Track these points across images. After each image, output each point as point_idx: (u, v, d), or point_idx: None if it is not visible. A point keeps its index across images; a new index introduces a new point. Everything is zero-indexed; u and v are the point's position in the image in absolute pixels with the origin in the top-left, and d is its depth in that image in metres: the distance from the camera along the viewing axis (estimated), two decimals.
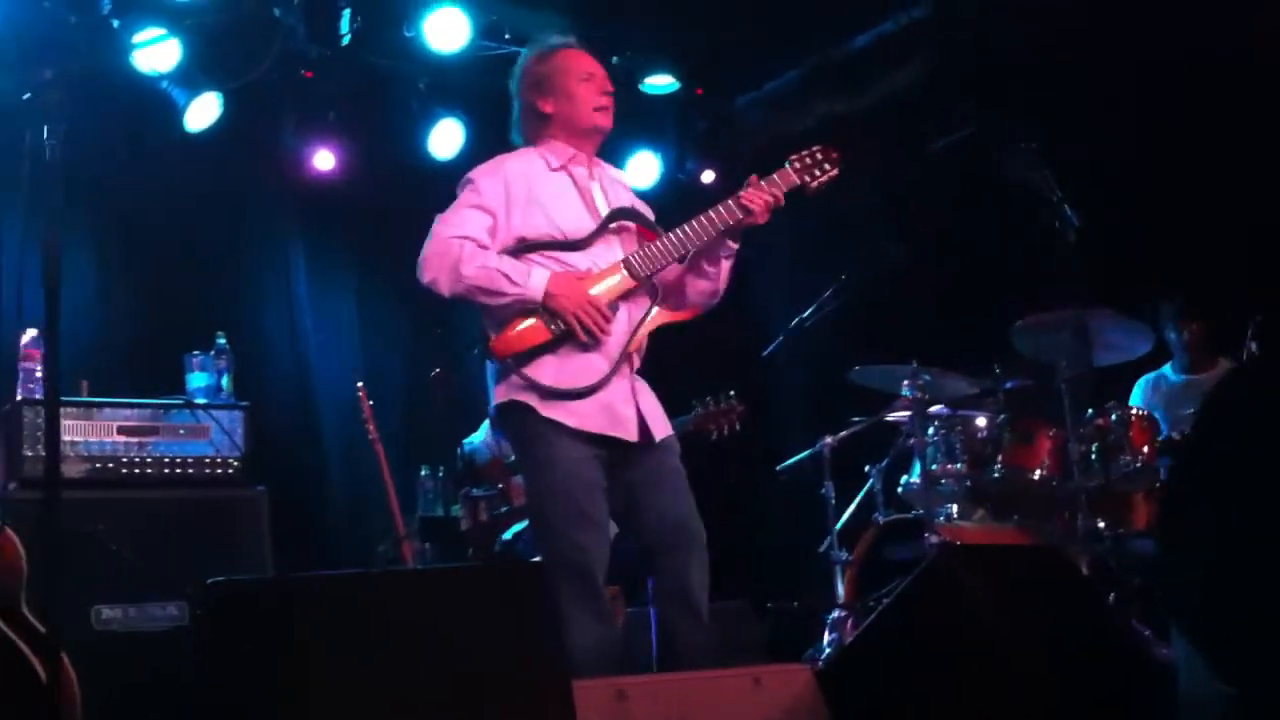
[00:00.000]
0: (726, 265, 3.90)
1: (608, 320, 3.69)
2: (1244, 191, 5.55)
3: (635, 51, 6.80)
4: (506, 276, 3.66)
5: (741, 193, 3.81)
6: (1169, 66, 5.73)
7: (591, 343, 3.68)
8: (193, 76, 5.87)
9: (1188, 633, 2.27)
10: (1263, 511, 2.06)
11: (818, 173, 3.90)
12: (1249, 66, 5.52)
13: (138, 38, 5.61)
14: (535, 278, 3.67)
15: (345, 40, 6.10)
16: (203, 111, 5.95)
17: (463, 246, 3.69)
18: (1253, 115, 5.53)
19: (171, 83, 5.87)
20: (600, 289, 3.73)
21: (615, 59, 6.67)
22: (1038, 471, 5.25)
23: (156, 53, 5.74)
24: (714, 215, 3.79)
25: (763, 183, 3.84)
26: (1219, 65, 5.60)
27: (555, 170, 3.87)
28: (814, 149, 3.94)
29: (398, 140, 6.64)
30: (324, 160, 6.49)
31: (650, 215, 3.98)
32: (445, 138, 6.58)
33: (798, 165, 3.90)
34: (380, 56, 6.37)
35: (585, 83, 3.91)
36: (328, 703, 2.14)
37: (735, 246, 3.88)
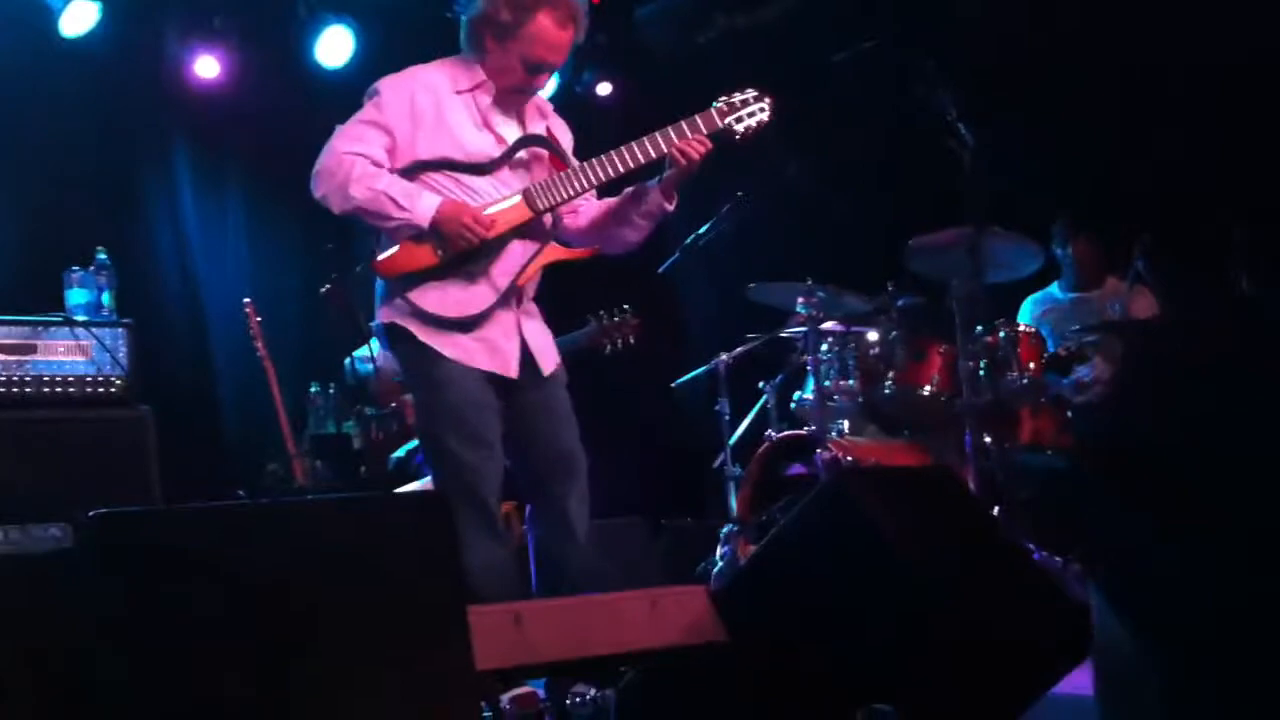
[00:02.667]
0: (652, 223, 3.82)
1: (485, 229, 3.58)
2: (1138, 108, 5.62)
3: None
4: (394, 201, 3.57)
5: (672, 135, 3.66)
6: None
7: (475, 262, 3.60)
8: None
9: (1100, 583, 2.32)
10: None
11: (746, 118, 3.79)
12: None
13: None
14: (424, 202, 3.59)
15: None
16: (79, 16, 5.73)
17: (354, 163, 3.60)
18: (1144, 28, 5.57)
19: None
20: (494, 213, 3.65)
21: None
22: (928, 388, 5.33)
23: None
24: (628, 152, 3.68)
25: (683, 125, 3.67)
26: None
27: (461, 93, 3.74)
28: (747, 92, 3.80)
29: (285, 48, 6.47)
30: (208, 67, 6.29)
31: (568, 146, 3.86)
32: (334, 45, 6.42)
33: (724, 108, 3.77)
34: None
35: (547, 51, 3.67)
36: (213, 636, 2.10)
37: (670, 208, 3.78)
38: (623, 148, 3.69)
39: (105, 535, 2.11)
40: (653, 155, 3.69)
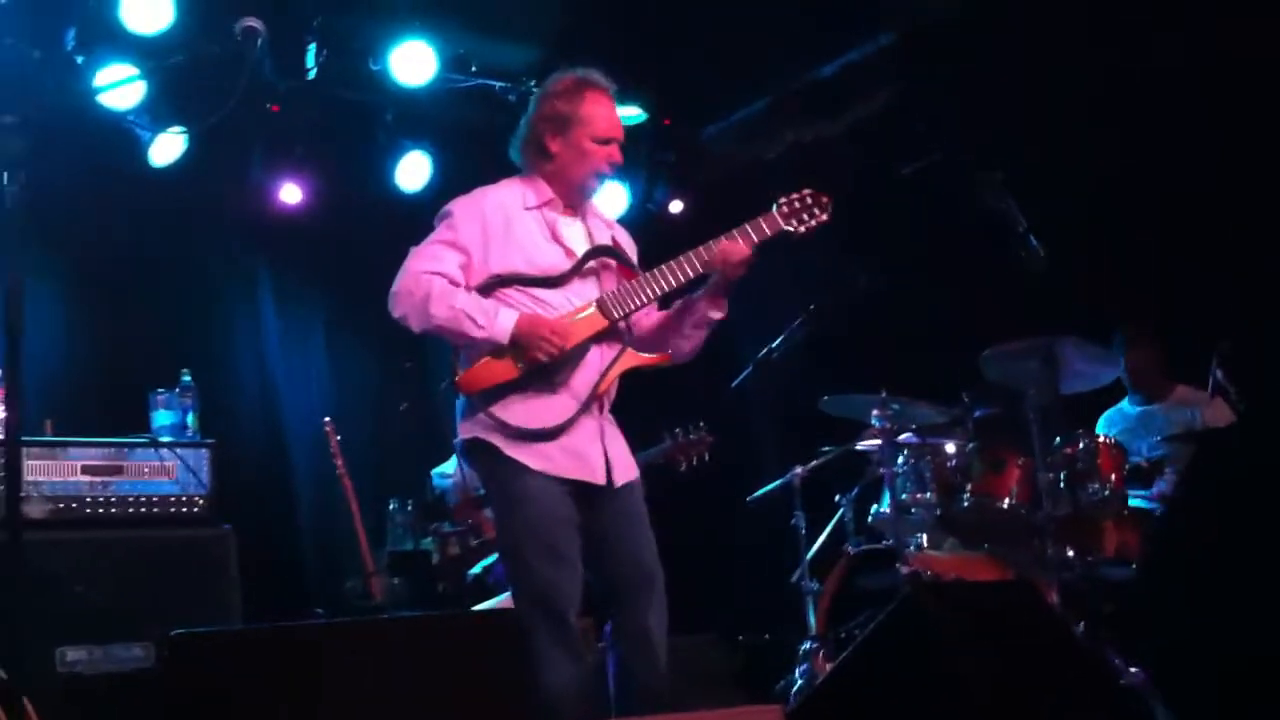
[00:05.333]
0: (705, 333, 3.86)
1: (563, 340, 3.64)
2: (1206, 219, 5.60)
3: None
4: (472, 318, 3.63)
5: (722, 239, 3.76)
6: (1134, 95, 5.77)
7: (556, 373, 3.65)
8: (158, 114, 5.85)
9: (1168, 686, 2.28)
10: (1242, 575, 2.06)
11: (806, 217, 3.84)
12: (1213, 93, 5.57)
13: (101, 75, 5.59)
14: (502, 318, 3.64)
15: (312, 74, 6.08)
16: (168, 146, 5.93)
17: (432, 282, 3.67)
18: (1219, 142, 5.58)
19: (136, 119, 5.85)
20: (570, 324, 3.71)
21: None
22: (1007, 500, 5.26)
23: (121, 90, 5.72)
24: (692, 257, 3.76)
25: (747, 227, 3.77)
26: (1181, 94, 5.64)
27: (530, 209, 3.83)
28: (804, 192, 3.87)
29: (365, 173, 6.62)
30: (291, 194, 6.46)
31: (633, 255, 3.94)
32: (412, 170, 6.57)
33: (785, 210, 3.84)
34: (347, 89, 6.36)
35: (600, 145, 3.83)
36: None
37: (720, 317, 3.83)
38: (690, 253, 3.76)
39: (184, 655, 2.15)
40: (715, 260, 3.75)
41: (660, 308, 3.94)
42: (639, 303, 3.77)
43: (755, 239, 3.77)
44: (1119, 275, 5.77)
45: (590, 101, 3.83)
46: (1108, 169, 5.87)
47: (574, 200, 3.89)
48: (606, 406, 3.82)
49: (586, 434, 3.71)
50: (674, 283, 3.76)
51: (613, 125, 3.86)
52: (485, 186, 3.88)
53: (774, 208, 3.84)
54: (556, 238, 3.82)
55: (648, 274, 3.79)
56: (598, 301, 3.76)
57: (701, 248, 3.77)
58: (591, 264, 3.82)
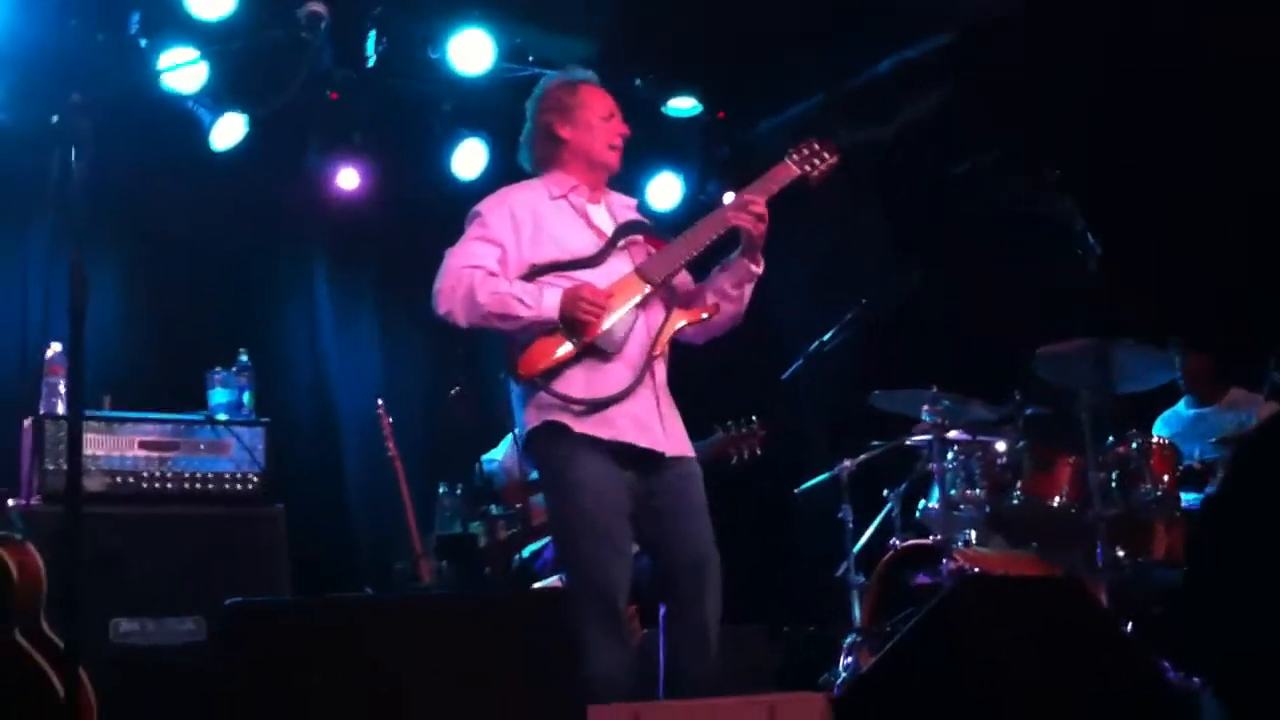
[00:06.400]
0: (748, 289, 3.93)
1: (605, 300, 3.71)
2: (1269, 222, 5.53)
3: (658, 74, 6.83)
4: (520, 300, 3.70)
5: (741, 193, 3.88)
6: (1192, 93, 5.72)
7: (609, 344, 3.70)
8: (220, 98, 5.93)
9: (1215, 687, 2.26)
10: None
11: (817, 161, 3.95)
12: (1273, 91, 5.50)
13: (165, 58, 5.67)
14: (548, 298, 3.71)
15: (371, 62, 6.15)
16: (228, 131, 6.01)
17: (473, 274, 3.74)
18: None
19: (198, 102, 5.93)
20: (617, 299, 3.76)
21: (638, 82, 6.72)
22: (1057, 499, 5.23)
23: (184, 74, 5.80)
24: (717, 216, 3.86)
25: (764, 179, 3.89)
26: (1241, 94, 5.58)
27: (556, 199, 3.92)
28: (810, 140, 3.99)
29: (421, 161, 6.68)
30: (348, 180, 6.53)
31: (656, 229, 4.02)
32: (468, 158, 6.62)
33: (796, 157, 3.95)
34: (405, 78, 6.42)
35: (605, 121, 3.98)
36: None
37: (758, 271, 3.91)
38: (714, 212, 3.87)
39: (238, 624, 2.19)
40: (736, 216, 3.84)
41: (695, 278, 4.01)
42: (678, 263, 3.85)
43: (773, 189, 3.88)
44: (1175, 276, 5.71)
45: (585, 91, 4.02)
46: (1167, 168, 5.82)
47: (595, 180, 3.99)
48: (661, 378, 3.86)
49: (644, 404, 3.76)
50: (708, 239, 3.85)
51: (610, 104, 4.03)
52: (507, 187, 4.00)
53: (785, 157, 3.94)
54: (587, 221, 3.92)
55: (677, 239, 3.88)
56: (636, 269, 3.84)
57: (730, 203, 3.86)
58: (621, 242, 3.91)
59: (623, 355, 3.75)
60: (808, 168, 3.93)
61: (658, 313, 3.85)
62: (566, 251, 3.83)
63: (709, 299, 3.94)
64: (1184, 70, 5.67)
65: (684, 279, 3.96)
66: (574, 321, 3.68)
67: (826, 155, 3.96)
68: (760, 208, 3.82)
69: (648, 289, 3.81)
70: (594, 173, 3.98)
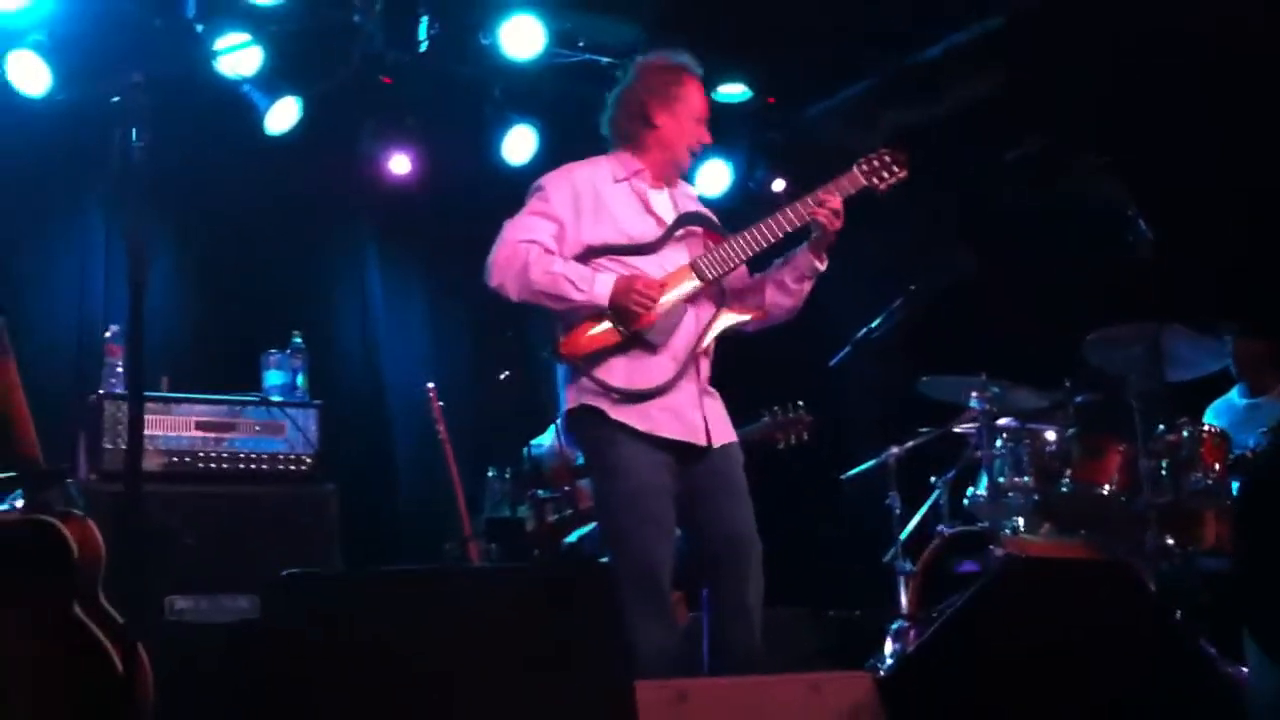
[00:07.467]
0: (808, 285, 3.94)
1: (656, 292, 3.72)
2: None
3: (708, 60, 6.81)
4: (572, 282, 3.71)
5: (808, 198, 3.84)
6: (1245, 79, 5.66)
7: (655, 335, 3.70)
8: (274, 81, 5.99)
9: (1264, 644, 2.26)
10: None
11: (886, 174, 3.93)
12: None
13: (220, 42, 5.74)
14: (600, 283, 3.72)
15: (423, 47, 6.19)
16: (283, 115, 6.07)
17: (529, 250, 3.75)
18: None
19: (253, 86, 5.99)
20: (669, 292, 3.77)
21: None
22: (1107, 486, 5.21)
23: (239, 57, 5.86)
24: (780, 218, 3.83)
25: (830, 186, 3.87)
26: None
27: (619, 181, 3.92)
28: (881, 151, 3.96)
29: (472, 146, 6.71)
30: (400, 164, 6.58)
31: (717, 223, 4.01)
32: (519, 144, 6.64)
33: (865, 168, 3.92)
34: (457, 63, 6.45)
35: (697, 123, 3.99)
36: (390, 696, 2.18)
37: (822, 268, 3.90)
38: (777, 213, 3.84)
39: (292, 594, 2.23)
40: (806, 218, 3.84)
41: (750, 272, 4.00)
42: (733, 263, 3.84)
43: (847, 191, 3.87)
44: (1229, 263, 5.66)
45: (689, 84, 4.00)
46: (1220, 153, 5.76)
47: (666, 172, 3.98)
48: (705, 372, 3.87)
49: (687, 397, 3.77)
50: (767, 241, 3.84)
51: (705, 106, 4.02)
52: (572, 163, 3.99)
53: (853, 167, 3.92)
54: (648, 207, 3.91)
55: (738, 235, 3.86)
56: (691, 264, 3.83)
57: (789, 207, 3.85)
58: (680, 232, 3.91)
59: (668, 347, 3.76)
60: (875, 180, 3.92)
61: (708, 309, 3.86)
62: (624, 236, 3.83)
63: (766, 295, 3.95)
64: (1239, 53, 5.61)
65: (739, 273, 3.95)
66: (624, 311, 3.70)
67: (896, 169, 3.93)
68: (837, 204, 3.82)
69: (700, 284, 3.82)
70: (665, 165, 3.98)
